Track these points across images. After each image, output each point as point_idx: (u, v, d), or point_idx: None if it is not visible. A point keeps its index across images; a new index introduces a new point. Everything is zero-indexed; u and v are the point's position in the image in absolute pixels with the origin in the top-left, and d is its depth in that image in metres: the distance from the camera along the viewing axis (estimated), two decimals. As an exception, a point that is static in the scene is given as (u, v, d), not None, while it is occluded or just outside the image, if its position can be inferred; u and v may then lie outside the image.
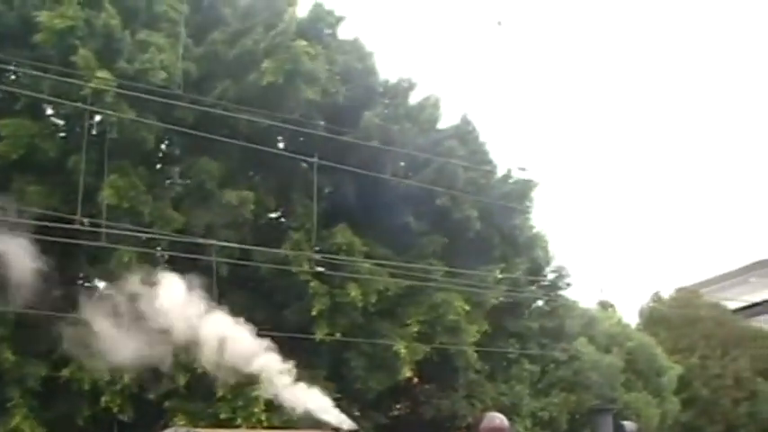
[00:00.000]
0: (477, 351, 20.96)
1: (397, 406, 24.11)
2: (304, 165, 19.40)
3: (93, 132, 17.51)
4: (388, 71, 21.83)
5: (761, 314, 51.84)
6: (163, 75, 17.34)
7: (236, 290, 18.43)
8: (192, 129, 16.77)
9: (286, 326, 18.01)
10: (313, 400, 11.47)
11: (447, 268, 20.00)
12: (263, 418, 17.46)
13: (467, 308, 19.96)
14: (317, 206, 18.71)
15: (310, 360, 18.81)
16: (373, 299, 18.95)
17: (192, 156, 18.79)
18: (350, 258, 18.52)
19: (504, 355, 23.37)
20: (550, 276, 25.58)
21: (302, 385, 14.21)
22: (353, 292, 18.51)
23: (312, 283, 18.54)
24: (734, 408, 37.43)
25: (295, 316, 18.85)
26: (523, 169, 9.90)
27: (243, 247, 17.44)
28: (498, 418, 14.06)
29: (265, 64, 18.44)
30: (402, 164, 20.72)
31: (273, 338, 17.13)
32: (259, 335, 16.89)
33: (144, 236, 16.88)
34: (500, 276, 22.02)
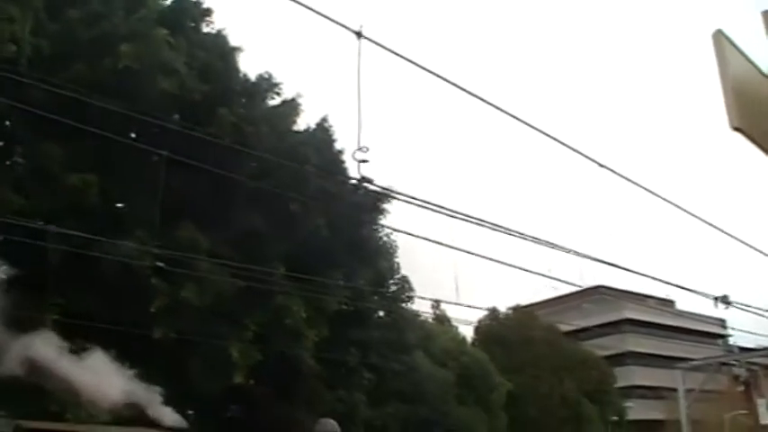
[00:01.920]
0: (316, 357, 21.30)
1: (233, 407, 24.25)
2: (154, 158, 19.13)
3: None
4: (251, 69, 21.96)
5: (591, 338, 55.25)
6: (12, 48, 16.77)
7: (74, 282, 18.07)
8: (39, 109, 16.24)
9: (124, 322, 17.72)
10: (140, 396, 11.39)
11: (289, 273, 20.16)
12: (92, 413, 17.20)
13: (305, 314, 20.26)
14: (164, 201, 18.47)
15: (146, 358, 18.68)
16: (211, 299, 18.91)
17: (38, 137, 18.29)
18: (191, 256, 18.36)
19: (344, 362, 23.89)
20: (393, 288, 26.54)
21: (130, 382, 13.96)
22: (193, 291, 18.48)
23: (153, 280, 18.39)
24: (559, 427, 39.75)
25: (133, 313, 18.53)
26: (370, 181, 10.10)
27: (82, 235, 16.80)
28: (330, 424, 14.72)
29: (123, 48, 18.22)
30: (254, 165, 20.78)
31: (110, 334, 17.01)
32: (95, 329, 16.71)
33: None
34: (343, 284, 22.49)
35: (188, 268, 18.45)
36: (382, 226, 24.50)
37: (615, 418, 48.65)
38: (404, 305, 26.95)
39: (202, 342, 19.19)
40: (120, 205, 20.83)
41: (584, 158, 11.32)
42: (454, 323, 36.39)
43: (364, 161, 10.12)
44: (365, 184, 21.71)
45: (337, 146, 23.30)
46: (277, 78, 22.15)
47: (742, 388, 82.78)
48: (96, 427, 10.27)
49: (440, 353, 30.42)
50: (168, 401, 16.13)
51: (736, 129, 3.84)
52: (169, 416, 11.90)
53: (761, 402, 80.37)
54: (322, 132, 23.08)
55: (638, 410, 61.61)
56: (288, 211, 20.74)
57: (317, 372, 22.17)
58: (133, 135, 19.50)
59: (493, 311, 44.08)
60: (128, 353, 17.90)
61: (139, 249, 18.09)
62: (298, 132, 22.52)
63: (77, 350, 16.74)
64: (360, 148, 10.05)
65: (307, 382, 22.37)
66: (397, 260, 26.28)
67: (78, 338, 16.66)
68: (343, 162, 23.36)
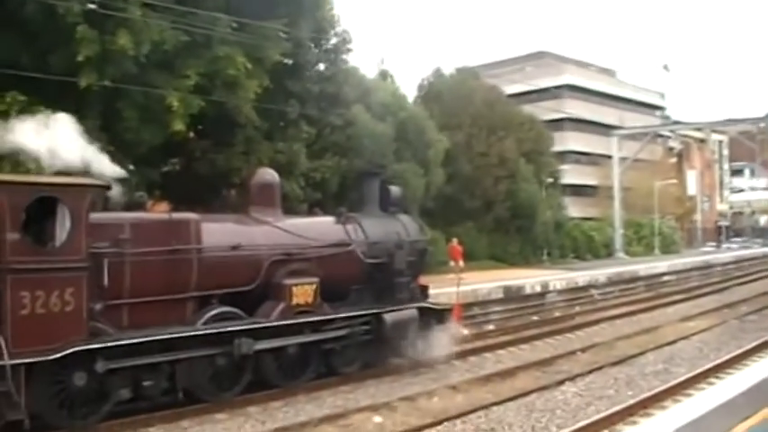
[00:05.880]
0: (255, 108, 21.81)
1: (172, 161, 25.03)
2: None
3: None
4: None
5: (531, 102, 56.91)
6: None
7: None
8: None
9: (54, 72, 17.80)
10: (77, 147, 11.77)
11: (229, 17, 20.09)
12: (31, 167, 17.46)
13: (248, 65, 20.42)
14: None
15: (79, 109, 18.91)
16: (146, 49, 18.87)
17: None
18: None
19: (283, 114, 24.53)
20: (333, 41, 26.81)
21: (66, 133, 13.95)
22: (123, 39, 18.13)
23: (80, 28, 18.03)
24: (494, 185, 41.89)
25: (61, 62, 18.45)
26: None
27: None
28: (269, 174, 15.65)
29: None
30: None
31: (41, 83, 17.14)
32: (22, 77, 16.83)
33: None
34: (284, 36, 22.61)
35: (119, 15, 18.12)
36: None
37: (550, 180, 51.06)
38: (344, 58, 27.34)
39: (140, 92, 19.44)
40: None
41: None
42: (396, 81, 37.16)
43: None
44: None
45: None
46: None
47: (674, 159, 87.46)
48: (34, 177, 10.79)
49: (379, 107, 31.24)
50: (107, 154, 16.60)
51: None
52: (109, 167, 12.43)
53: (690, 174, 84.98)
54: None
55: (572, 175, 64.94)
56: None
57: (256, 123, 22.78)
58: None
59: (437, 71, 44.83)
60: (60, 104, 18.16)
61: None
62: None
63: (12, 103, 16.97)
64: None
65: (246, 134, 23.06)
66: (337, 12, 26.36)
67: (5, 90, 16.80)
68: None
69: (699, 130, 75.18)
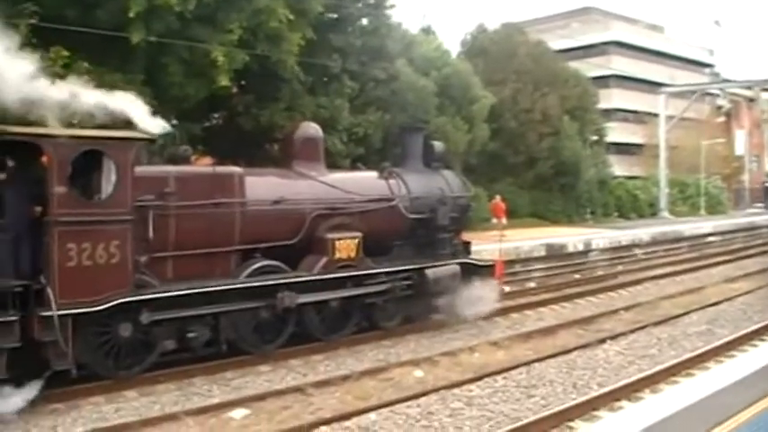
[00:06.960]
0: (298, 63, 21.70)
1: (215, 116, 25.11)
2: None
3: None
4: None
5: (579, 58, 55.94)
6: None
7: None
8: None
9: (99, 27, 17.77)
10: (120, 101, 11.78)
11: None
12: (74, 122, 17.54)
13: (291, 16, 20.26)
14: None
15: (125, 64, 18.99)
16: (192, 5, 18.80)
17: None
18: None
19: (326, 69, 24.38)
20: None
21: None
22: None
23: None
24: (538, 141, 41.45)
25: (109, 17, 18.53)
26: None
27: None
28: (313, 128, 15.63)
29: None
30: None
31: (85, 38, 17.19)
32: (69, 33, 16.85)
33: None
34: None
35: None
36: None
37: (595, 137, 50.37)
38: (386, 12, 27.03)
39: (184, 47, 19.41)
40: None
41: None
42: (439, 36, 36.65)
43: None
44: None
45: None
46: None
47: (723, 119, 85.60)
48: (80, 130, 10.85)
49: (422, 62, 30.95)
50: (152, 109, 16.66)
51: None
52: (155, 122, 12.45)
53: (739, 133, 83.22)
54: None
55: (618, 132, 63.98)
56: None
57: (299, 78, 22.68)
58: None
59: (480, 26, 44.31)
60: (105, 59, 18.21)
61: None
62: None
63: (55, 58, 17.01)
64: None
65: (289, 88, 22.97)
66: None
67: (55, 46, 16.82)
68: None
69: (749, 88, 73.45)
